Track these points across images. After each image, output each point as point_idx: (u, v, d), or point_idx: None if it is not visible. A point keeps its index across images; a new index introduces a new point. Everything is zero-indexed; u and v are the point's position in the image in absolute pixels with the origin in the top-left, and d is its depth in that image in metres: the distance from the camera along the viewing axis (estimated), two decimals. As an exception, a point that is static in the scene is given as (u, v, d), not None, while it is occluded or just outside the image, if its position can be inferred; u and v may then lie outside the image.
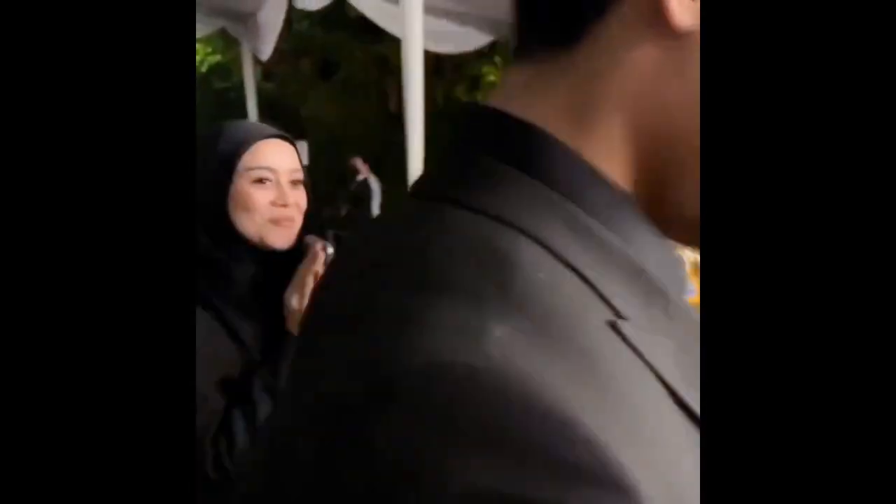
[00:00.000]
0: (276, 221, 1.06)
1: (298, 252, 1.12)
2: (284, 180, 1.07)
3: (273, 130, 1.10)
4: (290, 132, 1.17)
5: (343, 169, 10.06)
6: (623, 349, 0.32)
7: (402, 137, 4.05)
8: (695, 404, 0.35)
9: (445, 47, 6.19)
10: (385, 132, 9.54)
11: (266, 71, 8.55)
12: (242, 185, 1.05)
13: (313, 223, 1.14)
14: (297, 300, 1.04)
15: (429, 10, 3.98)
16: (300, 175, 1.11)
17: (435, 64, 8.23)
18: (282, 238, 1.08)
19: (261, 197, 1.05)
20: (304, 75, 9.91)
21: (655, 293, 0.36)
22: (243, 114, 5.56)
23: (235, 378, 1.00)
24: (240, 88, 6.58)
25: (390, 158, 8.80)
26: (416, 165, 4.06)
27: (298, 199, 1.10)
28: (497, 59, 9.39)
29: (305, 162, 7.12)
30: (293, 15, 7.52)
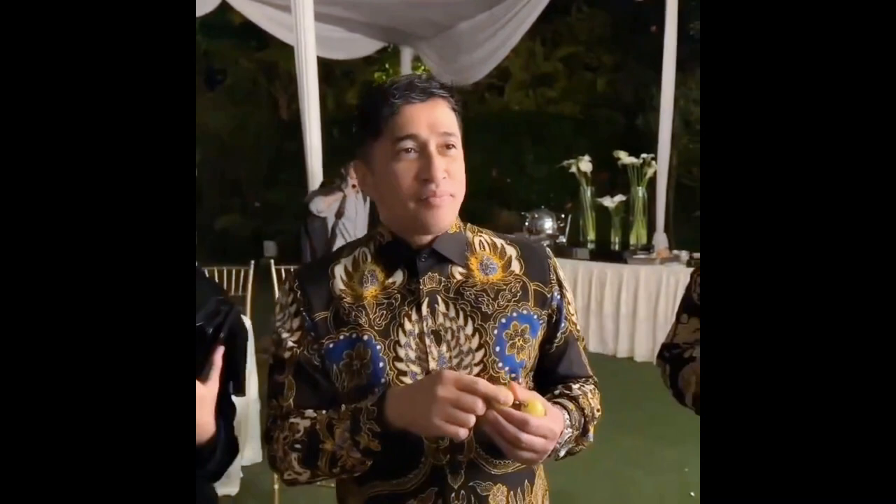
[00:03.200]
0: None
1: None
2: None
3: None
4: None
5: (234, 178, 9.77)
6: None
7: (294, 144, 4.02)
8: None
9: (336, 54, 6.21)
10: (277, 139, 9.38)
11: (146, 79, 8.19)
12: None
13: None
14: None
15: (318, 16, 4.00)
16: None
17: (324, 71, 8.21)
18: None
19: None
20: (187, 83, 9.58)
21: None
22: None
23: None
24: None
25: (285, 165, 8.66)
26: (315, 170, 4.07)
27: None
28: (387, 65, 9.48)
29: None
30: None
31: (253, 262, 3.50)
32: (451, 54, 6.05)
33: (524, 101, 9.10)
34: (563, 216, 5.06)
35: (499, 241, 1.03)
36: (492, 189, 7.75)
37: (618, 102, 8.66)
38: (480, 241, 1.01)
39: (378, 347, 0.92)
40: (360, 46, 6.24)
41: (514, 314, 0.96)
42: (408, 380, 0.91)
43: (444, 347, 0.93)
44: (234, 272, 3.53)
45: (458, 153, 0.93)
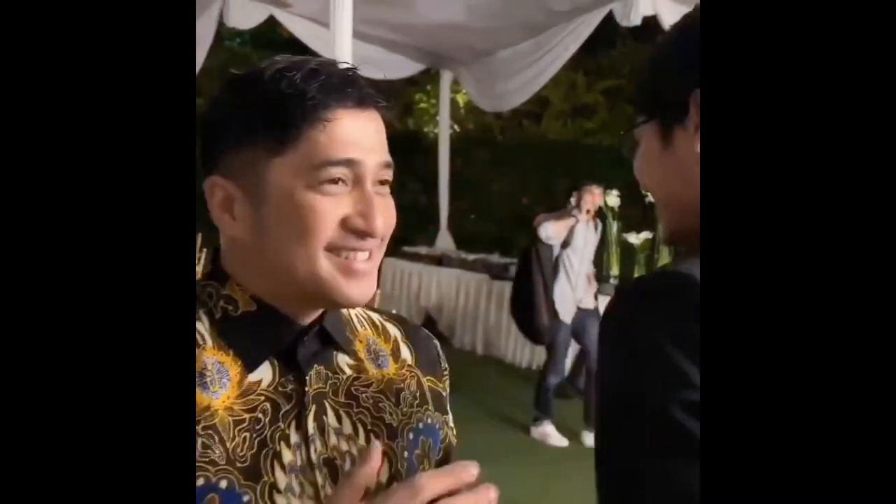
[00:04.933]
0: None
1: None
2: None
3: None
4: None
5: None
6: None
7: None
8: None
9: (375, 73, 6.28)
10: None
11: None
12: None
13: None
14: None
15: (359, 35, 4.07)
16: None
17: (366, 88, 8.32)
18: None
19: None
20: (233, 93, 9.82)
21: None
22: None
23: None
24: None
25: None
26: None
27: None
28: (429, 87, 9.57)
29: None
30: (224, 32, 7.45)
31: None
32: (490, 80, 6.09)
33: (561, 131, 9.09)
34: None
35: (376, 317, 0.72)
36: (521, 217, 7.73)
37: (657, 138, 8.58)
38: (358, 315, 0.71)
39: (246, 500, 0.56)
40: (401, 67, 6.32)
41: (420, 425, 0.66)
42: None
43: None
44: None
45: (388, 190, 0.63)
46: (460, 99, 9.14)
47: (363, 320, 0.71)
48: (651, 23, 4.50)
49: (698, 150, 0.61)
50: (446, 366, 0.73)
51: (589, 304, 3.99)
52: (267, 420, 0.59)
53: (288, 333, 0.61)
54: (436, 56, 6.20)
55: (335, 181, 0.58)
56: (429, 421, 0.68)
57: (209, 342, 0.60)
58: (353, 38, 3.82)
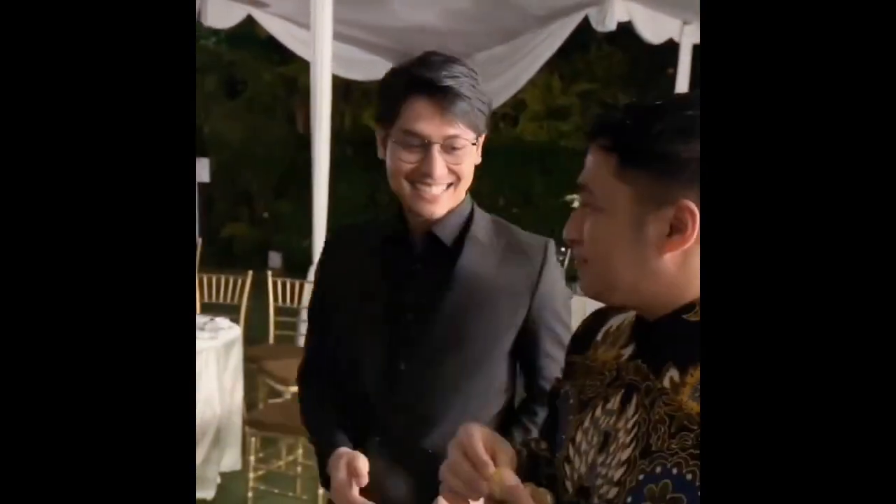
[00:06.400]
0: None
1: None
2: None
3: None
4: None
5: (245, 188, 9.84)
6: None
7: (308, 158, 4.09)
8: None
9: (353, 74, 6.30)
10: (291, 152, 9.48)
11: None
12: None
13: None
14: None
15: (336, 35, 4.08)
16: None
17: (344, 89, 8.31)
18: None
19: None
20: (208, 92, 9.72)
21: None
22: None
23: None
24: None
25: (296, 178, 8.73)
26: (321, 185, 4.11)
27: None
28: (405, 88, 9.55)
29: (206, 179, 6.84)
30: (200, 31, 7.39)
31: (251, 272, 3.54)
32: (467, 82, 6.10)
33: (537, 133, 9.17)
34: (563, 249, 5.07)
35: None
36: (499, 217, 7.77)
37: (631, 141, 8.67)
38: None
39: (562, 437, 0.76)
40: (379, 68, 6.32)
41: (675, 471, 0.60)
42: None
43: (602, 456, 0.67)
44: (230, 281, 3.57)
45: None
46: (437, 100, 9.12)
47: None
48: (625, 28, 4.58)
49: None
50: None
51: None
52: (604, 383, 0.71)
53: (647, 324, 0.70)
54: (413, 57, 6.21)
55: None
56: (688, 476, 0.59)
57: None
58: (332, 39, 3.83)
